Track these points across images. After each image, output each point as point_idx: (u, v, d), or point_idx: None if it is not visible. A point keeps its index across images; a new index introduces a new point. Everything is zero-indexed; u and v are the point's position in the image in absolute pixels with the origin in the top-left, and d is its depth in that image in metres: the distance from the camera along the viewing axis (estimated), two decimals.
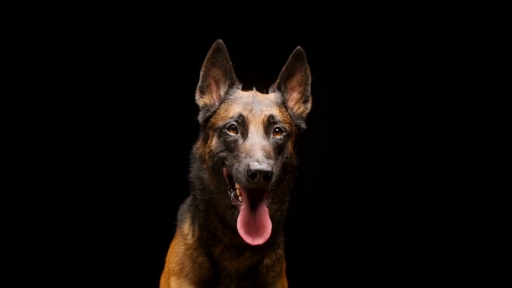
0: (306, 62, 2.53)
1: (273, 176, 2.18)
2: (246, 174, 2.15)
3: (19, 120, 3.78)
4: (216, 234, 2.46)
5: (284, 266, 2.66)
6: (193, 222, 2.54)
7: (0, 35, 3.68)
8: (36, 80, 3.78)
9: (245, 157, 2.20)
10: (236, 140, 2.31)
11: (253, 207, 2.26)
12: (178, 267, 2.52)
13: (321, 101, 3.82)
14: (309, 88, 2.56)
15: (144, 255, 3.61)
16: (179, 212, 2.66)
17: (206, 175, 2.44)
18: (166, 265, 2.62)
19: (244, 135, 2.31)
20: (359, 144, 4.00)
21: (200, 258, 2.49)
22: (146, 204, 3.92)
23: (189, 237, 2.53)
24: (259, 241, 2.22)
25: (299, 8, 3.88)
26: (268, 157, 2.20)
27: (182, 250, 2.53)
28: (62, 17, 3.75)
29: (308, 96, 2.58)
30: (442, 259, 3.98)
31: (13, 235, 3.82)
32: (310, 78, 2.55)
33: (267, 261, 2.53)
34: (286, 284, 2.66)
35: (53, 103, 3.82)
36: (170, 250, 2.63)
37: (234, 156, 2.28)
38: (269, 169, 2.13)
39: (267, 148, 2.25)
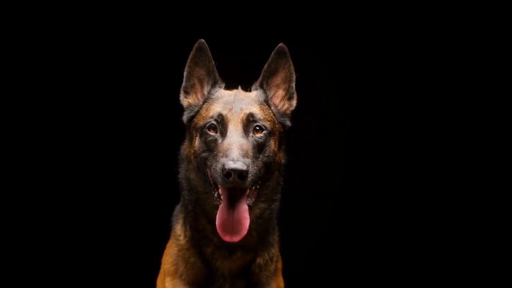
0: (290, 59, 2.51)
1: (249, 175, 2.19)
2: (221, 174, 2.17)
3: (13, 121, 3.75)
4: (205, 234, 2.47)
5: (279, 266, 2.64)
6: (184, 223, 2.55)
7: None
8: (23, 82, 3.74)
9: (222, 157, 2.22)
10: (215, 140, 2.32)
11: (231, 205, 2.27)
12: (172, 268, 2.53)
13: (321, 100, 3.87)
14: (293, 85, 2.54)
15: (141, 256, 3.60)
16: (174, 213, 2.67)
17: (192, 176, 2.46)
18: (161, 266, 2.64)
19: (223, 134, 2.32)
20: (358, 143, 3.95)
21: (192, 259, 2.50)
22: (144, 205, 3.91)
23: (181, 237, 2.55)
24: (236, 238, 2.24)
25: (300, 6, 3.88)
26: (244, 155, 2.21)
27: (175, 251, 2.54)
28: (39, 19, 3.71)
29: (293, 93, 2.55)
30: (440, 258, 3.92)
31: (9, 240, 3.80)
32: (294, 75, 2.53)
33: (259, 260, 2.52)
34: (282, 284, 2.63)
35: (42, 105, 3.78)
36: (165, 251, 2.65)
37: (213, 156, 2.30)
38: (244, 168, 2.14)
39: (245, 147, 2.25)
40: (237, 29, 3.83)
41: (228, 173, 2.15)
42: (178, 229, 2.58)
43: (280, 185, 2.52)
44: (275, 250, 2.59)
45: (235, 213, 2.26)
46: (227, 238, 2.25)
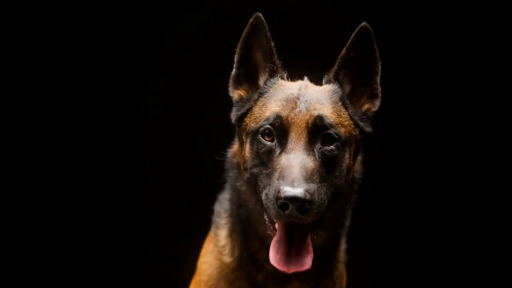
0: (375, 44, 1.92)
1: (314, 207, 1.64)
2: (275, 203, 1.63)
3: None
4: (257, 259, 1.99)
5: (343, 284, 2.19)
6: (231, 237, 2.07)
7: None
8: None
9: (278, 178, 1.67)
10: (270, 151, 1.78)
11: (290, 241, 1.75)
12: (211, 283, 2.09)
13: None
14: (378, 78, 1.97)
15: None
16: (216, 209, 2.17)
17: (243, 188, 1.95)
18: (197, 272, 2.21)
19: (282, 144, 1.77)
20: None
21: (237, 282, 2.04)
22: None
23: (226, 252, 2.07)
24: (296, 268, 1.74)
25: None
26: (308, 179, 1.65)
27: (216, 266, 2.09)
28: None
29: (377, 90, 1.98)
30: (441, 258, 3.75)
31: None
32: (379, 65, 1.95)
33: (321, 287, 2.06)
34: None
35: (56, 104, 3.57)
36: (202, 255, 2.20)
37: (267, 174, 1.75)
38: (306, 197, 1.60)
39: (310, 166, 1.70)
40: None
41: (284, 204, 1.61)
42: (223, 239, 2.09)
43: (352, 206, 2.00)
44: (339, 271, 2.12)
45: (294, 248, 1.75)
46: (284, 269, 1.74)
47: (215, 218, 2.19)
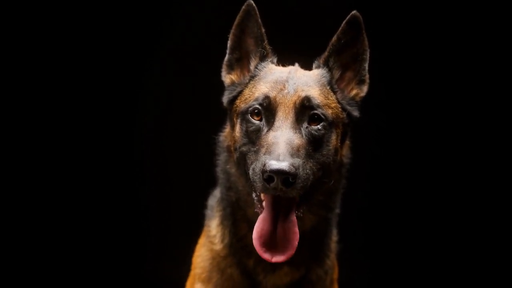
0: (364, 32, 2.00)
1: (298, 181, 1.69)
2: (261, 177, 1.69)
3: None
4: (246, 243, 2.02)
5: (335, 276, 2.23)
6: (222, 224, 2.11)
7: None
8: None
9: (264, 153, 1.74)
10: (259, 130, 1.85)
11: (276, 216, 1.79)
12: (204, 275, 2.12)
13: None
14: (366, 65, 2.04)
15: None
16: (209, 203, 2.23)
17: (233, 170, 2.01)
18: (192, 267, 2.23)
19: (269, 123, 1.84)
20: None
21: (229, 270, 2.08)
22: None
23: (217, 241, 2.11)
24: (279, 257, 1.77)
25: None
26: (293, 154, 1.72)
27: (209, 258, 2.13)
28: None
29: (364, 76, 2.05)
30: (434, 249, 3.73)
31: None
32: (367, 53, 2.03)
33: (311, 276, 2.09)
34: None
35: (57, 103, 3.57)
36: (196, 250, 2.23)
37: (254, 152, 1.82)
38: (291, 170, 1.66)
39: (296, 142, 1.77)
40: None
41: (270, 177, 1.67)
42: (213, 229, 2.14)
43: (340, 190, 2.06)
44: (330, 261, 2.15)
45: (279, 227, 1.78)
46: (266, 257, 1.78)
47: (208, 211, 2.24)
